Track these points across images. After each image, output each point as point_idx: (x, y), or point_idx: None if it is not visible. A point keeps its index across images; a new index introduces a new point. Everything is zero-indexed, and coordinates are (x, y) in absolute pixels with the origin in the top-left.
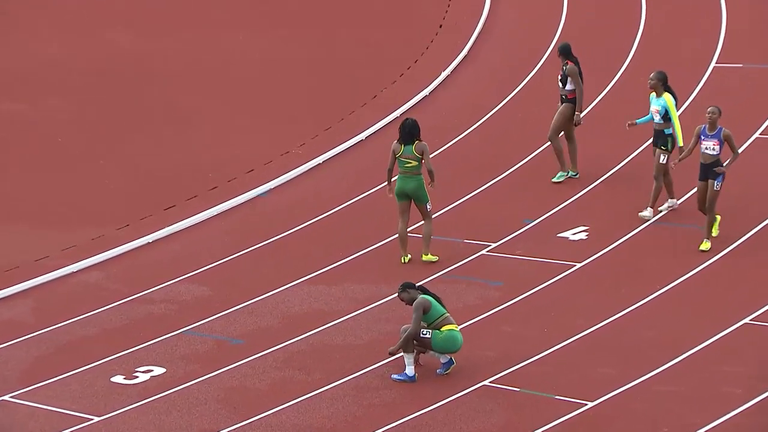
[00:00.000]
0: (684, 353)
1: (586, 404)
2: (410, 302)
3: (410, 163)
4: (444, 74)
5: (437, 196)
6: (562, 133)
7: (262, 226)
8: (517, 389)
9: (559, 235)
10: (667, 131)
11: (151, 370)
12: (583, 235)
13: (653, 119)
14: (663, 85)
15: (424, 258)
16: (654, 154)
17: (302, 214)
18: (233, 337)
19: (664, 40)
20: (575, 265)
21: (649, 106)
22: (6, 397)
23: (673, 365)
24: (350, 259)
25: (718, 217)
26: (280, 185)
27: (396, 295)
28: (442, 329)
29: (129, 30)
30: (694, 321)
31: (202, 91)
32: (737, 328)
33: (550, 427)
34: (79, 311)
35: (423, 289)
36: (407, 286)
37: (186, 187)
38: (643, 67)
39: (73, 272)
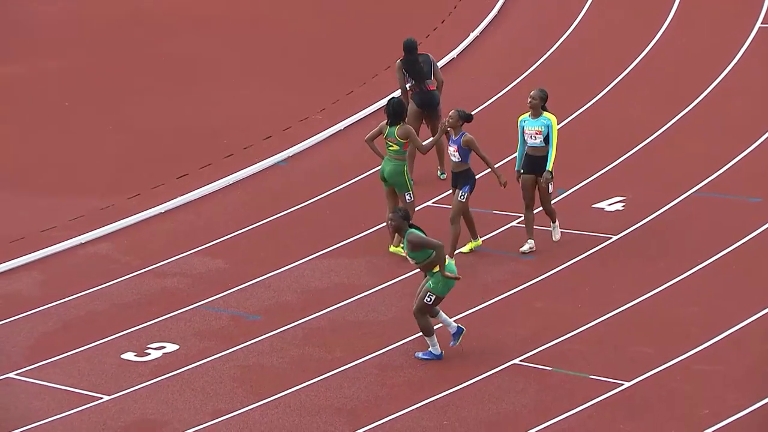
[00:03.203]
0: (726, 331)
1: (623, 384)
2: (397, 230)
3: (392, 146)
4: (471, 37)
5: None
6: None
7: (280, 196)
8: (550, 368)
9: (594, 205)
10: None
11: (164, 347)
12: (619, 206)
13: (528, 143)
14: (543, 104)
15: (392, 249)
16: (520, 182)
17: (323, 183)
18: (250, 312)
19: None
20: (611, 238)
21: (520, 132)
22: (11, 375)
23: (714, 343)
24: (373, 230)
25: (480, 241)
26: (299, 152)
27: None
28: (434, 270)
29: None
30: (738, 296)
31: (216, 53)
32: None
33: (584, 408)
34: (87, 285)
35: (414, 226)
36: (406, 217)
37: (199, 155)
38: (684, 27)
39: (82, 244)
